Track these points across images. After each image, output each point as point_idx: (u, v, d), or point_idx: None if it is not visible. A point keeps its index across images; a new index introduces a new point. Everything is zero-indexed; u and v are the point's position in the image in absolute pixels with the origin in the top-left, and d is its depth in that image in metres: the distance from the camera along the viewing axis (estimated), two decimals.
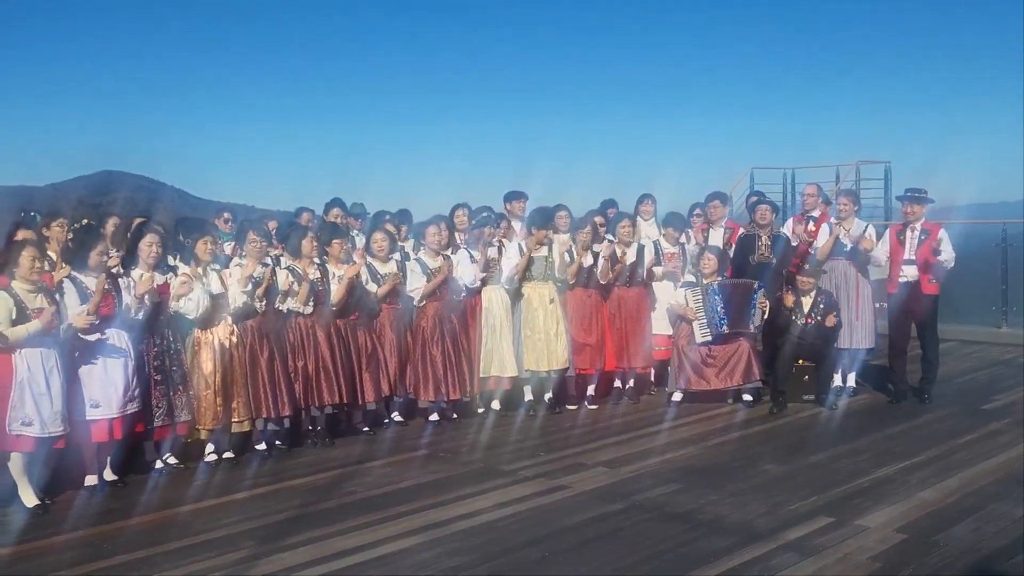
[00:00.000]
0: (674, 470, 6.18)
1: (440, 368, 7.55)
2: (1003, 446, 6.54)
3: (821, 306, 7.89)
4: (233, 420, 6.49)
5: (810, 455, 6.48)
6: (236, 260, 6.82)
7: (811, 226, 8.43)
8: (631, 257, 8.24)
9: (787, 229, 8.73)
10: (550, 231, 8.05)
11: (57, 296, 5.64)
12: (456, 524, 5.16)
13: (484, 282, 7.81)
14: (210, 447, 6.52)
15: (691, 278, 8.39)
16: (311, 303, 6.87)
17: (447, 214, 8.20)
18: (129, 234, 6.45)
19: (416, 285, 7.53)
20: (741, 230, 8.83)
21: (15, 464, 5.45)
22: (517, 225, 8.49)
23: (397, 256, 7.68)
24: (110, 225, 7.15)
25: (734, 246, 8.72)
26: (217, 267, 6.57)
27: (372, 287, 7.31)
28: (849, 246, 8.11)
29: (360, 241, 8.20)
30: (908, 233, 7.85)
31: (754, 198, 9.88)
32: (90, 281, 5.79)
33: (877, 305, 8.51)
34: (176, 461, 6.40)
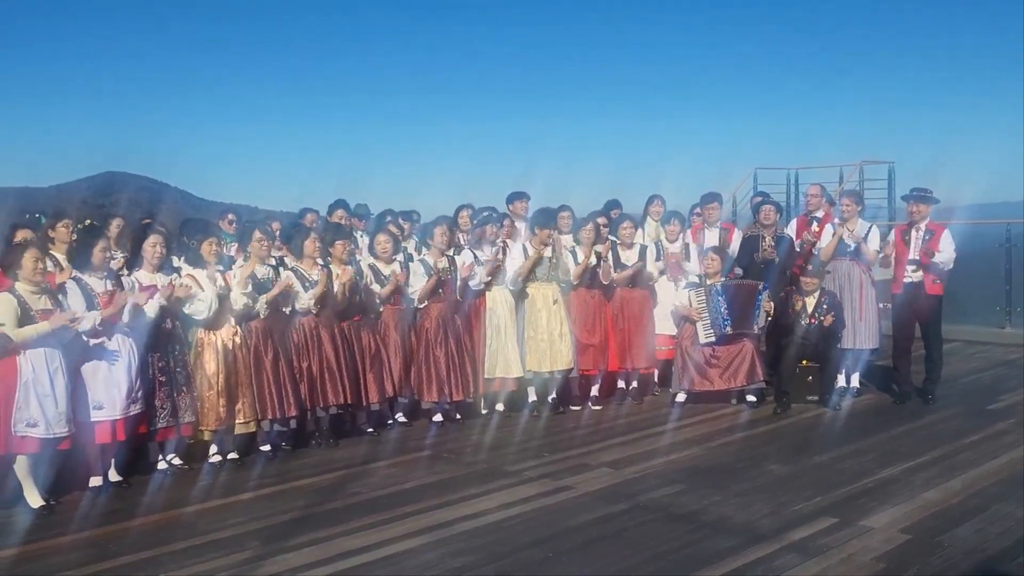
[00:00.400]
0: (678, 471, 6.18)
1: (443, 369, 7.55)
2: (1007, 446, 6.53)
3: (825, 307, 7.88)
4: (238, 421, 6.49)
5: (814, 456, 6.48)
6: (239, 262, 6.84)
7: (815, 227, 8.42)
8: (633, 258, 8.24)
9: (791, 230, 8.72)
10: (554, 231, 8.06)
11: (60, 297, 5.65)
12: (461, 525, 5.17)
13: (488, 285, 7.81)
14: (214, 448, 6.53)
15: (694, 278, 8.39)
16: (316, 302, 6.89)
17: (451, 215, 8.21)
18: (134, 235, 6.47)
19: (419, 286, 7.54)
20: (744, 230, 8.82)
21: (20, 465, 5.46)
22: (520, 225, 8.49)
23: (400, 257, 7.69)
24: (114, 226, 7.17)
25: (737, 246, 8.71)
26: (221, 268, 6.58)
27: (376, 288, 7.33)
28: (852, 246, 8.10)
29: (364, 242, 8.21)
30: (913, 233, 7.84)
31: (758, 198, 9.88)
32: (94, 282, 5.81)
33: (881, 305, 8.48)
34: (181, 462, 6.41)
